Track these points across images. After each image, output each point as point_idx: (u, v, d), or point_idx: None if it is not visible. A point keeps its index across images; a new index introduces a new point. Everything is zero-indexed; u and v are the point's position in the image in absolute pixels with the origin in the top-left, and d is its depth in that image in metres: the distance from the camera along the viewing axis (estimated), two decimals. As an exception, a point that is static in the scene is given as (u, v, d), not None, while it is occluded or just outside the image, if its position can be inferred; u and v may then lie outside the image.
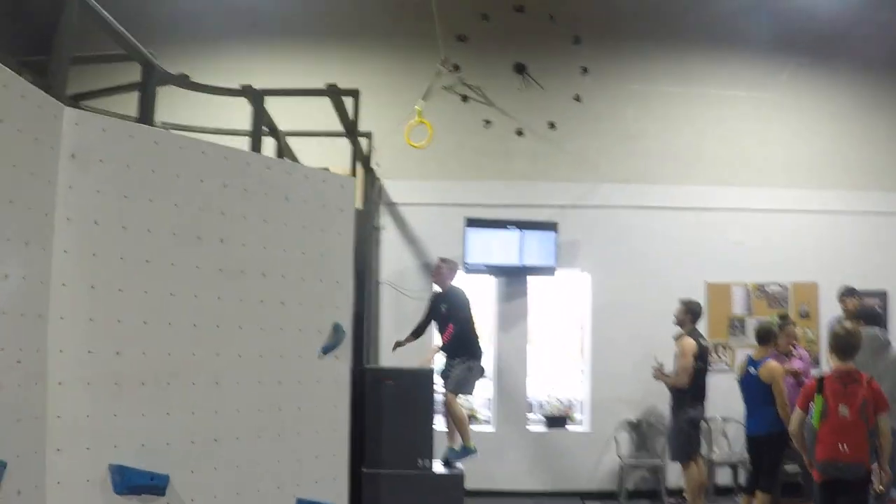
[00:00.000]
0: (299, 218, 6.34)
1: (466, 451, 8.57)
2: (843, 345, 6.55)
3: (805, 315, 10.80)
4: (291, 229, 6.27)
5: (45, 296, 4.57)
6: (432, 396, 8.24)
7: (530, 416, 10.77)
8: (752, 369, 8.34)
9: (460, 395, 8.76)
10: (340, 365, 6.60)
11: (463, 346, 8.67)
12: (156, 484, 5.07)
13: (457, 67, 10.83)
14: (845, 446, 6.20)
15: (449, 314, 8.76)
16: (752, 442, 8.42)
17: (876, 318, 8.95)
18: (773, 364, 8.24)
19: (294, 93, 7.62)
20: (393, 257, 10.57)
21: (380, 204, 10.66)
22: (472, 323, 8.86)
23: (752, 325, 10.27)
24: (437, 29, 9.64)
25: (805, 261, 10.88)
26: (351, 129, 7.92)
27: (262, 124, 7.37)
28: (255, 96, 7.28)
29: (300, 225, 6.35)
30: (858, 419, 6.23)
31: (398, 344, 9.14)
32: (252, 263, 5.91)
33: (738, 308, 10.83)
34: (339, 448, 6.57)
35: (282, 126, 8.25)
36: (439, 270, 9.04)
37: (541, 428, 10.64)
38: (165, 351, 5.26)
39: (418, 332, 9.26)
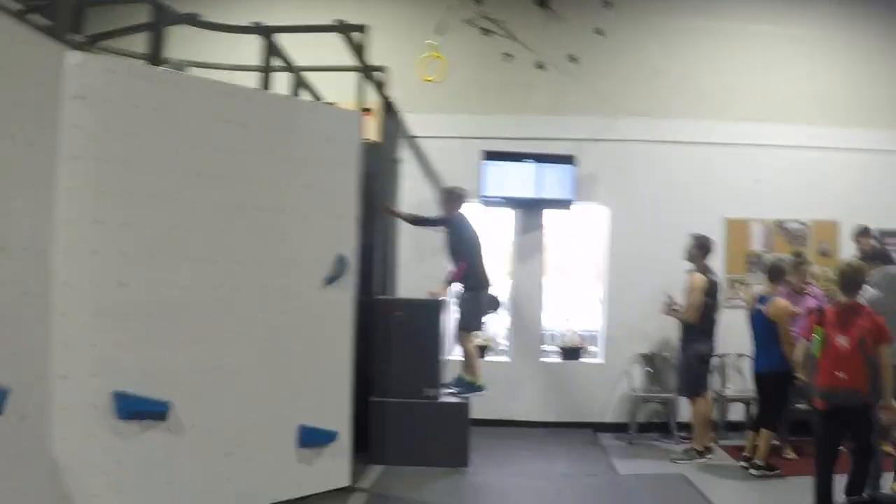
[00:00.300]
0: (303, 152, 6.68)
1: (472, 387, 8.90)
2: (848, 281, 6.81)
3: (825, 253, 10.92)
4: (294, 164, 6.62)
5: (49, 231, 4.99)
6: (439, 327, 8.61)
7: (546, 348, 11.10)
8: (760, 306, 8.57)
9: (472, 330, 9.04)
10: (343, 295, 7.00)
11: (469, 278, 8.91)
12: (157, 410, 5.54)
13: (477, 1, 10.99)
14: (843, 374, 6.51)
15: (452, 245, 8.98)
16: (758, 379, 8.69)
17: (891, 258, 9.08)
18: (780, 302, 8.47)
19: (303, 29, 7.89)
20: (413, 190, 10.83)
21: (399, 137, 10.92)
22: (479, 253, 9.04)
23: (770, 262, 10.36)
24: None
25: (826, 199, 10.97)
26: (362, 64, 8.22)
27: (274, 61, 7.65)
28: (265, 33, 7.57)
29: (303, 159, 6.69)
30: (856, 349, 6.53)
31: (387, 209, 9.41)
32: (253, 198, 6.29)
33: (756, 244, 10.97)
34: (341, 376, 6.98)
35: (299, 62, 8.60)
36: (442, 200, 9.28)
37: (556, 359, 10.96)
38: (168, 283, 5.68)
39: (415, 221, 9.56)
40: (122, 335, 5.38)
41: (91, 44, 6.73)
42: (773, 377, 8.38)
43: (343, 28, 7.75)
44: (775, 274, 8.74)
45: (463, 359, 9.09)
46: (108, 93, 5.30)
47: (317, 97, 9.52)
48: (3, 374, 4.44)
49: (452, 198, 9.15)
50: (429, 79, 9.74)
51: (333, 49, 8.72)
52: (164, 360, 5.61)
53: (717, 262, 10.28)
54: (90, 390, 5.20)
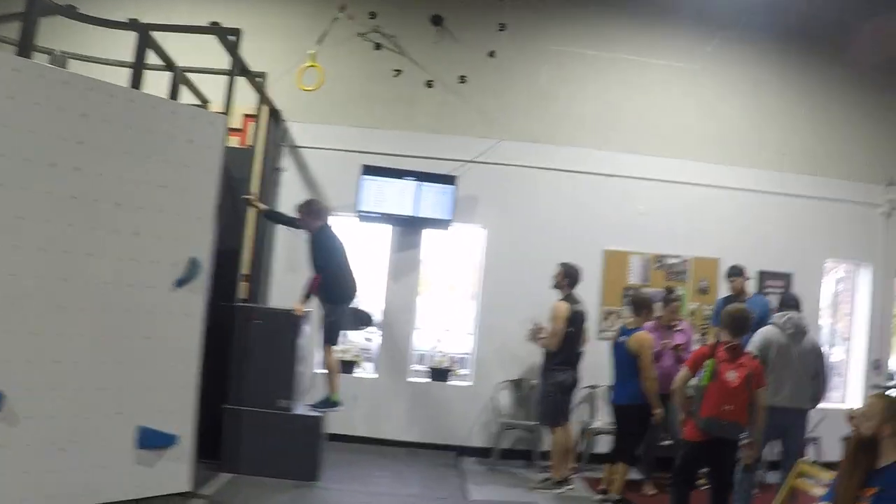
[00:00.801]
0: (163, 152, 6.96)
1: (327, 402, 9.15)
2: (738, 323, 7.42)
3: (704, 291, 11.50)
4: (154, 162, 6.89)
5: None
6: (298, 338, 8.89)
7: (415, 367, 11.44)
8: (622, 338, 8.97)
9: (332, 344, 9.24)
10: (195, 298, 7.26)
11: (329, 291, 9.12)
12: (-14, 399, 5.73)
13: (373, 15, 11.40)
14: (730, 406, 7.08)
15: (312, 256, 9.13)
16: (616, 411, 9.07)
17: (796, 303, 9.36)
18: (642, 335, 8.87)
19: (178, 29, 8.19)
20: (292, 199, 11.08)
21: (280, 145, 11.22)
22: (341, 265, 9.23)
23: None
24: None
25: (709, 236, 11.59)
26: (237, 68, 8.53)
27: (145, 58, 7.89)
28: (140, 29, 7.82)
29: (163, 159, 6.97)
30: (744, 386, 7.10)
31: (250, 201, 9.48)
32: (107, 193, 6.54)
33: (634, 277, 11.46)
34: (187, 380, 7.24)
35: (183, 63, 8.88)
36: (299, 214, 9.34)
37: (424, 379, 11.29)
38: (9, 272, 5.89)
39: (270, 215, 9.88)
40: (-45, 320, 5.58)
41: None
42: (631, 410, 8.77)
43: (218, 31, 8.05)
44: (640, 307, 9.09)
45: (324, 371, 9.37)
46: (-43, 76, 5.52)
47: (202, 99, 9.81)
48: None
49: (311, 210, 9.23)
50: (305, 88, 10.06)
51: (209, 51, 9.03)
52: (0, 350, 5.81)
53: (592, 292, 10.81)
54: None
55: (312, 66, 10.07)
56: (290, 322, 8.89)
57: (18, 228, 5.92)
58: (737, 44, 11.90)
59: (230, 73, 8.24)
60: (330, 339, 9.16)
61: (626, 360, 8.84)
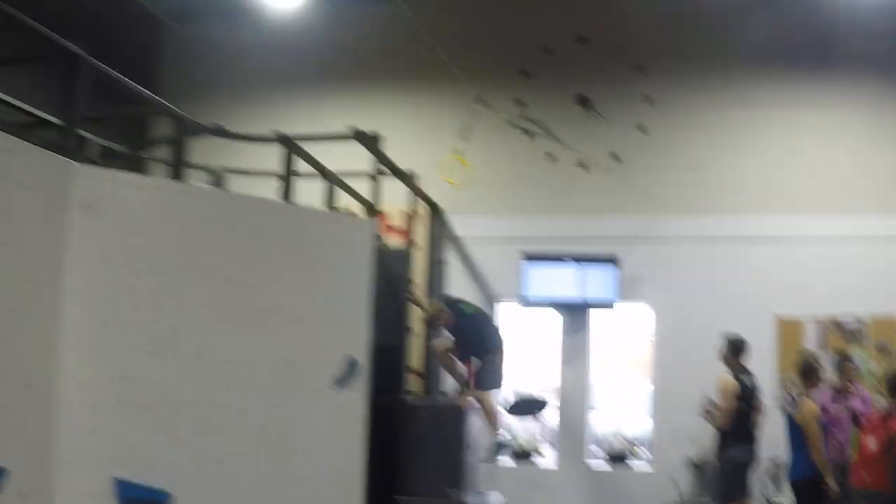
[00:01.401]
0: (311, 259, 7.40)
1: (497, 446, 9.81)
2: (891, 384, 7.28)
3: (885, 351, 11.16)
4: (303, 269, 7.35)
5: (56, 329, 5.82)
6: (464, 429, 9.21)
7: (592, 450, 11.54)
8: (790, 408, 8.89)
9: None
10: (355, 395, 7.61)
11: (488, 342, 9.90)
12: (156, 498, 6.25)
13: (520, 102, 11.89)
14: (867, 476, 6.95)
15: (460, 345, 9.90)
16: (792, 487, 8.96)
17: None
18: (807, 404, 8.72)
19: (322, 137, 8.77)
20: (457, 291, 11.52)
21: (442, 239, 11.72)
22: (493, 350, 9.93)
23: (825, 360, 10.59)
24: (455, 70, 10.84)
25: (886, 292, 11.18)
26: (380, 170, 9.08)
27: (294, 168, 8.52)
28: (285, 142, 8.47)
29: (312, 266, 7.42)
30: (883, 451, 6.94)
31: (415, 299, 10.17)
32: (260, 302, 7.01)
33: (809, 342, 11.19)
34: (353, 474, 7.56)
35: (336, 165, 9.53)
36: (439, 320, 10.02)
37: (602, 464, 11.38)
38: (170, 379, 6.43)
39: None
40: (124, 426, 6.11)
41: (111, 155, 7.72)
42: (803, 484, 8.63)
43: (359, 136, 8.60)
44: (808, 374, 8.98)
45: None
46: (112, 202, 6.16)
47: (361, 200, 10.37)
48: (9, 458, 5.21)
49: (445, 316, 9.96)
50: (453, 182, 10.51)
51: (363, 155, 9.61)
52: (164, 451, 6.30)
53: (766, 361, 10.66)
54: (91, 477, 5.92)
55: (458, 160, 10.54)
56: (455, 412, 9.22)
57: (175, 339, 6.45)
58: (894, 89, 11.66)
59: (373, 176, 8.78)
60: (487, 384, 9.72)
61: (795, 432, 8.72)
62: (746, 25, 11.74)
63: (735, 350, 9.56)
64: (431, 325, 10.06)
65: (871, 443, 7.00)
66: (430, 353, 10.71)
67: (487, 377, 9.62)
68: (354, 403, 7.65)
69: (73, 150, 6.14)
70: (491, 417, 9.62)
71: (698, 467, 10.99)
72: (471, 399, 9.46)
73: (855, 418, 8.73)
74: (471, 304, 10.18)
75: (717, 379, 9.65)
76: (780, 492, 10.68)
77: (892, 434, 6.96)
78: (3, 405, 5.29)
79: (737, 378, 9.42)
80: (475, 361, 9.77)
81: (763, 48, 11.79)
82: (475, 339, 9.79)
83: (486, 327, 9.92)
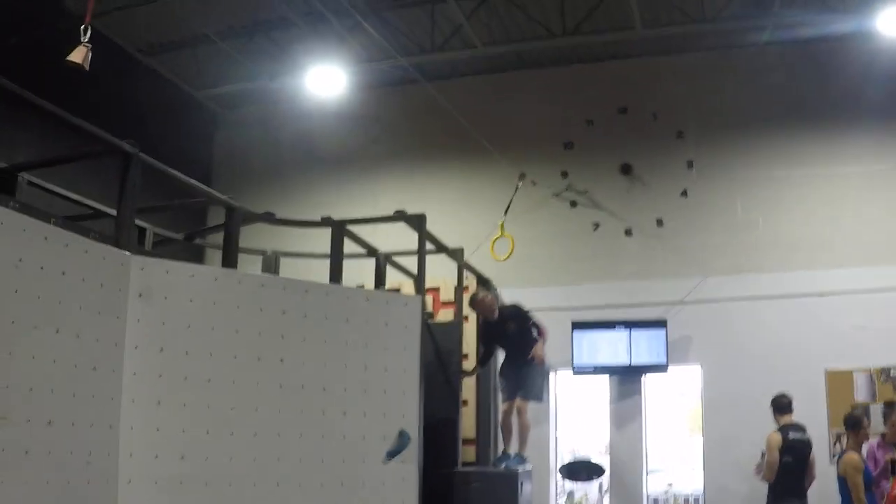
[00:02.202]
0: (360, 337, 7.69)
1: (519, 458, 9.64)
2: None
3: (935, 399, 11.12)
4: (353, 347, 7.63)
5: (116, 410, 6.14)
6: (517, 497, 9.33)
7: (648, 511, 11.63)
8: (838, 461, 8.96)
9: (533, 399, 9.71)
10: (407, 467, 7.84)
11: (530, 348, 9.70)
12: (216, 572, 6.50)
13: (565, 174, 12.23)
14: None
15: (522, 329, 9.78)
16: None
17: None
18: (849, 456, 8.74)
19: (369, 221, 9.08)
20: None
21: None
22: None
23: (876, 411, 10.64)
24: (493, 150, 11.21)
25: None
26: (433, 247, 9.35)
27: (342, 250, 8.82)
28: (334, 226, 8.78)
29: (362, 343, 7.70)
30: None
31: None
32: (312, 379, 7.30)
33: (860, 395, 11.23)
34: (409, 544, 7.77)
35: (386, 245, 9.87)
36: (483, 302, 9.84)
37: (658, 525, 11.46)
38: (227, 456, 6.71)
39: (483, 362, 10.13)
40: (183, 501, 6.41)
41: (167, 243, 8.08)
42: None
43: (404, 217, 8.90)
44: (852, 424, 9.03)
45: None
46: (166, 290, 6.51)
47: (412, 277, 10.63)
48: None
49: (490, 298, 9.93)
50: (498, 258, 10.72)
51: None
52: (224, 526, 6.60)
53: (819, 416, 10.67)
54: (153, 552, 6.23)
55: (502, 235, 10.78)
56: (509, 481, 9.36)
57: (231, 418, 6.74)
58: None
59: (419, 253, 9.04)
60: (538, 396, 9.71)
61: (841, 485, 8.77)
62: (780, 84, 12.01)
63: (778, 407, 9.61)
64: (474, 308, 9.94)
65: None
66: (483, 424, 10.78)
67: (533, 386, 9.70)
68: (408, 475, 7.87)
69: (126, 241, 6.46)
70: (524, 430, 9.70)
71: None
72: (520, 404, 9.60)
73: (893, 465, 8.70)
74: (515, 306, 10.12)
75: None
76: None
77: None
78: (66, 482, 5.60)
79: (783, 433, 9.43)
80: (519, 367, 9.78)
81: (796, 105, 12.06)
82: (524, 343, 9.80)
83: (530, 332, 9.83)
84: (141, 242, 8.57)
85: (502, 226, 10.86)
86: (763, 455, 9.68)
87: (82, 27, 5.84)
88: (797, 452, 9.36)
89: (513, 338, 9.87)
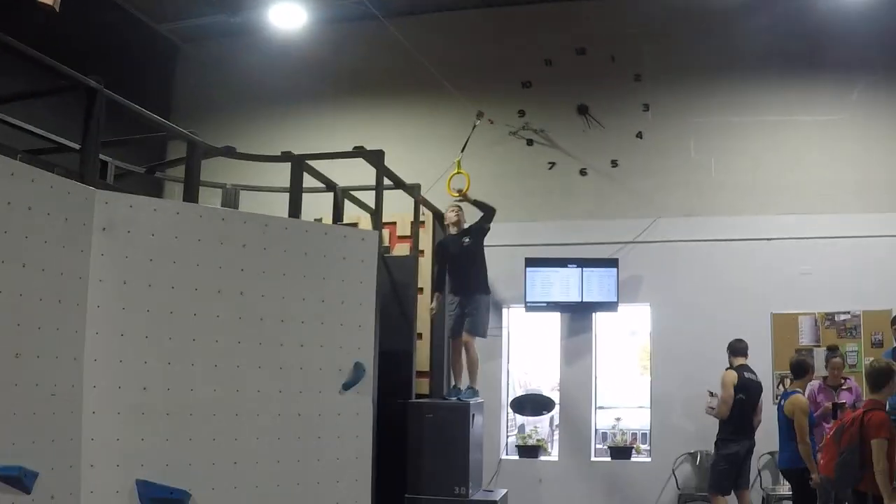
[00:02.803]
0: (318, 270, 7.85)
1: (474, 391, 10.01)
2: (872, 379, 7.65)
3: (878, 344, 11.43)
4: (311, 280, 7.79)
5: (81, 342, 6.30)
6: (468, 428, 9.63)
7: (596, 447, 11.96)
8: (782, 401, 9.28)
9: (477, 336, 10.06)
10: (363, 399, 8.06)
11: (485, 281, 10.19)
12: (176, 497, 6.70)
13: (522, 113, 12.42)
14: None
15: (475, 245, 10.15)
16: (783, 474, 9.41)
17: None
18: (795, 398, 9.07)
19: (328, 156, 9.20)
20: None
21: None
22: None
23: (820, 355, 10.99)
24: (450, 88, 11.39)
25: (879, 287, 11.47)
26: (392, 183, 9.53)
27: (302, 184, 8.97)
28: (295, 160, 8.92)
29: (320, 276, 7.86)
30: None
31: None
32: (271, 312, 7.47)
33: (805, 338, 11.58)
34: (362, 474, 7.99)
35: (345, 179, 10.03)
36: (456, 211, 10.34)
37: (606, 459, 11.79)
38: (188, 387, 6.89)
39: (440, 286, 10.39)
40: (145, 431, 6.57)
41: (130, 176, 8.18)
42: (793, 473, 9.03)
43: (363, 154, 9.04)
44: (799, 370, 9.36)
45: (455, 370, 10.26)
46: (129, 224, 6.63)
47: (369, 211, 10.79)
48: (39, 461, 5.67)
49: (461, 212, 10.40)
50: (454, 194, 10.88)
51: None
52: (184, 454, 6.76)
53: (764, 358, 11.00)
54: (115, 479, 6.38)
55: (459, 172, 10.93)
56: (459, 414, 9.64)
57: (192, 349, 6.90)
58: (882, 88, 11.98)
59: (376, 189, 9.21)
60: (481, 332, 10.08)
61: (785, 424, 9.09)
62: (738, 31, 12.15)
63: (734, 350, 10.05)
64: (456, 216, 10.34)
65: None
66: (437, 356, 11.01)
67: (478, 321, 9.98)
68: (362, 406, 8.10)
69: (91, 176, 6.57)
70: (473, 365, 10.03)
71: (696, 459, 11.32)
72: (466, 339, 9.94)
73: (835, 411, 9.09)
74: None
75: (719, 374, 10.10)
76: (779, 482, 11.07)
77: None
78: (32, 414, 5.78)
79: (738, 371, 9.80)
80: (463, 302, 10.07)
81: (754, 53, 12.20)
82: (474, 272, 10.11)
83: (484, 267, 10.22)
84: (103, 176, 8.68)
85: (458, 163, 10.95)
86: (711, 394, 10.00)
87: (52, -32, 5.89)
88: (750, 392, 9.74)
89: (465, 255, 10.10)
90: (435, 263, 10.52)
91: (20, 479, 5.47)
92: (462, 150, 11.05)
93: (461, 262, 10.14)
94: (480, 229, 10.22)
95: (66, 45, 10.79)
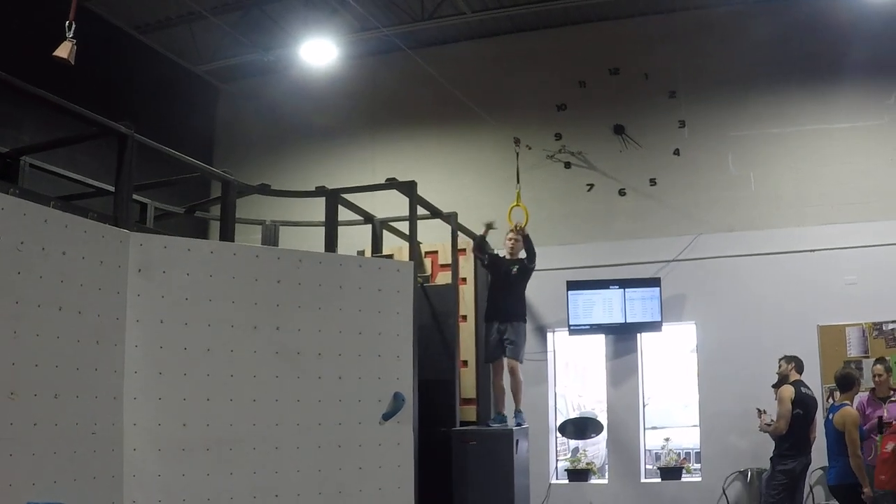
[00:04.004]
0: (354, 303, 8.02)
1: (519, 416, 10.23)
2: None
3: (928, 354, 11.32)
4: (347, 313, 7.97)
5: (119, 381, 6.52)
6: (512, 455, 9.71)
7: (646, 467, 11.95)
8: (830, 415, 9.20)
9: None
10: (403, 428, 8.19)
11: (524, 310, 10.46)
12: (219, 531, 6.89)
13: (559, 136, 12.55)
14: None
15: (521, 277, 10.42)
16: (832, 491, 9.30)
17: None
18: (845, 411, 9.00)
19: (361, 189, 9.40)
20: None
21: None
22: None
23: (869, 366, 10.85)
24: (485, 115, 11.80)
25: None
26: (416, 213, 9.68)
27: (337, 218, 9.16)
28: (328, 195, 9.11)
29: (356, 309, 8.03)
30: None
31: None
32: (308, 345, 7.65)
33: (853, 350, 11.46)
34: (405, 503, 8.15)
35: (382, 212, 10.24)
36: (515, 244, 10.59)
37: (655, 479, 11.78)
38: (227, 422, 7.08)
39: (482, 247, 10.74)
40: (186, 467, 6.76)
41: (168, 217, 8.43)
42: (842, 489, 8.94)
43: (395, 185, 9.22)
44: (843, 383, 9.29)
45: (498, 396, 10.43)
46: (164, 265, 6.86)
47: (409, 240, 10.95)
48: (81, 498, 5.87)
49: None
50: (518, 227, 10.89)
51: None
52: (225, 488, 6.93)
53: (812, 372, 10.76)
54: (156, 516, 6.63)
55: (518, 205, 11.08)
56: (504, 440, 9.73)
57: (230, 385, 7.09)
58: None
59: (410, 219, 9.37)
60: (521, 357, 10.26)
61: (833, 439, 9.01)
62: (771, 42, 12.20)
63: (798, 366, 9.93)
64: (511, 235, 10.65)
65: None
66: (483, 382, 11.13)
67: (519, 348, 10.20)
68: (404, 436, 8.23)
69: (125, 219, 6.79)
70: (518, 388, 10.24)
71: (747, 478, 11.27)
72: (511, 364, 10.14)
73: (880, 424, 9.03)
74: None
75: (767, 389, 10.20)
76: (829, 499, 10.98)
77: None
78: (73, 452, 5.99)
79: (795, 386, 9.70)
80: (501, 328, 10.26)
81: (787, 63, 12.20)
82: (514, 300, 10.39)
83: (524, 298, 10.53)
84: (143, 218, 8.94)
85: (518, 195, 11.15)
86: (760, 411, 9.96)
87: (66, 23, 6.13)
88: (807, 407, 9.62)
89: (509, 281, 10.40)
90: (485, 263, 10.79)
91: (61, 516, 5.66)
92: (518, 182, 11.26)
93: (504, 285, 10.42)
94: (527, 269, 10.52)
95: (108, 89, 11.22)
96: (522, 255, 10.51)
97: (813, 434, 9.85)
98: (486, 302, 10.97)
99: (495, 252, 10.78)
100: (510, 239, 10.60)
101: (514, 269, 10.41)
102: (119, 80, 12.06)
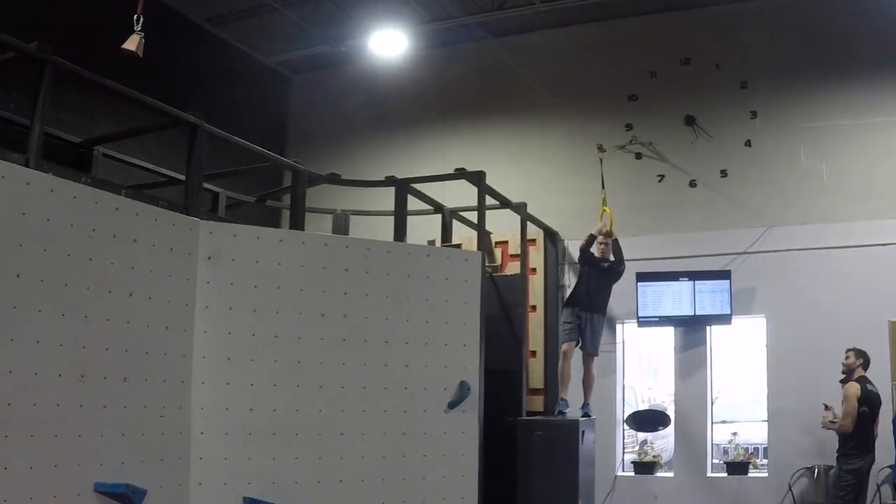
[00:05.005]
0: (421, 292, 8.04)
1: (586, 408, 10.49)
2: None
3: None
4: (414, 302, 7.99)
5: (188, 366, 6.60)
6: (578, 445, 9.66)
7: (713, 462, 11.82)
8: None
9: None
10: (468, 417, 8.20)
11: (605, 306, 10.83)
12: (283, 514, 6.95)
13: (630, 127, 12.46)
14: None
15: (610, 273, 10.77)
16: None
17: None
18: None
19: (430, 179, 9.42)
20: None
21: (561, 264, 12.26)
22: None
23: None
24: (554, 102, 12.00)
25: None
26: (485, 203, 9.67)
27: (406, 208, 9.18)
28: (398, 185, 9.14)
29: (423, 297, 8.05)
30: None
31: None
32: (375, 333, 7.68)
33: (926, 346, 11.22)
34: (469, 492, 8.14)
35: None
36: (606, 247, 10.91)
37: (722, 474, 11.64)
38: (293, 408, 7.14)
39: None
40: (252, 451, 6.83)
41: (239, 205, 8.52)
42: None
43: (464, 175, 9.23)
44: None
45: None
46: (233, 253, 6.93)
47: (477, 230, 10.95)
48: (148, 480, 5.98)
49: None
50: (606, 232, 10.90)
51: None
52: (290, 473, 7.00)
53: (883, 369, 10.59)
54: (223, 497, 6.64)
55: (604, 210, 11.08)
56: (570, 430, 9.69)
57: (297, 371, 7.15)
58: None
59: (478, 209, 9.36)
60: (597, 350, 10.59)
61: None
62: (844, 31, 11.92)
63: (865, 362, 9.80)
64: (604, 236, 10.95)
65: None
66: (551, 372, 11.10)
67: (596, 341, 10.55)
68: (468, 425, 8.23)
69: (195, 207, 6.87)
70: (590, 385, 10.54)
71: (814, 474, 11.08)
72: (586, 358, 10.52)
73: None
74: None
75: (836, 385, 9.94)
76: (896, 498, 10.79)
77: None
78: (141, 434, 6.09)
79: (860, 383, 9.58)
80: (584, 317, 10.54)
81: (861, 53, 11.89)
82: (602, 293, 10.79)
83: (609, 294, 10.92)
84: (215, 207, 9.05)
85: (604, 199, 11.15)
86: (826, 407, 9.81)
87: (135, 17, 6.21)
88: (872, 404, 9.48)
89: (601, 274, 10.75)
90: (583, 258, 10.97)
91: (128, 497, 5.74)
92: (602, 188, 11.32)
93: (596, 277, 10.72)
94: (616, 271, 10.87)
95: (181, 80, 11.37)
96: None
97: (876, 431, 9.66)
98: (556, 292, 10.99)
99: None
100: (601, 243, 10.82)
101: (605, 265, 10.73)
102: (191, 72, 12.21)
